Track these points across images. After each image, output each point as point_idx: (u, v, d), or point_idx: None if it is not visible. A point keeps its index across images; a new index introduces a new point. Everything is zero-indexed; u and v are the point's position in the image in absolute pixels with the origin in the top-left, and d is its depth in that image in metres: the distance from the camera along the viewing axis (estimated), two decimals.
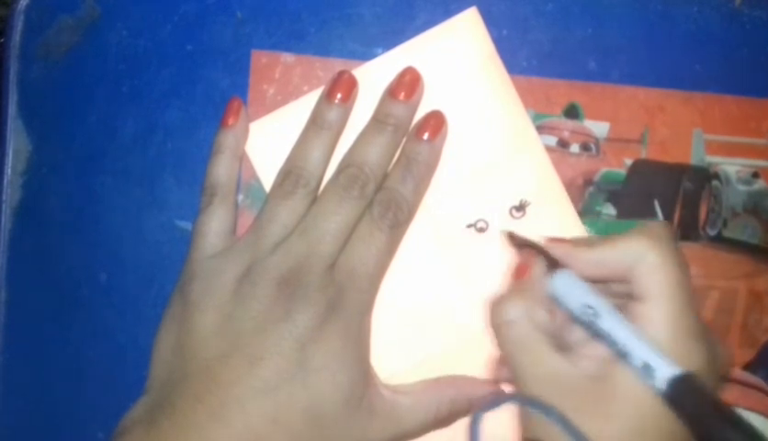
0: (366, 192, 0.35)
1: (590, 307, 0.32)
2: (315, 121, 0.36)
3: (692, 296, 0.31)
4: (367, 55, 0.38)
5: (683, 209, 0.39)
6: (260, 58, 0.38)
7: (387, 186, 0.35)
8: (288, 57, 0.38)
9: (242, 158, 0.38)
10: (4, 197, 0.39)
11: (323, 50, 0.38)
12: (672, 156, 0.39)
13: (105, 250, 0.39)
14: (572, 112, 0.39)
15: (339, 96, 0.36)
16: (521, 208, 0.38)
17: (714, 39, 0.39)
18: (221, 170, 0.37)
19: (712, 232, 0.39)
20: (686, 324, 0.31)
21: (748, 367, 0.39)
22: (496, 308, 0.34)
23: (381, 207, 0.35)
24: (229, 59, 0.38)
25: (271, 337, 0.32)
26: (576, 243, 0.34)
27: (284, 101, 0.38)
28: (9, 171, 0.39)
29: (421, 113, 0.37)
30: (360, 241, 0.34)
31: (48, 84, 0.39)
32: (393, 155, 0.36)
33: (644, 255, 0.31)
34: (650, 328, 0.31)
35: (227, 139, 0.37)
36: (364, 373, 0.34)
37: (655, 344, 0.30)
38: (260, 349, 0.32)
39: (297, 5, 0.38)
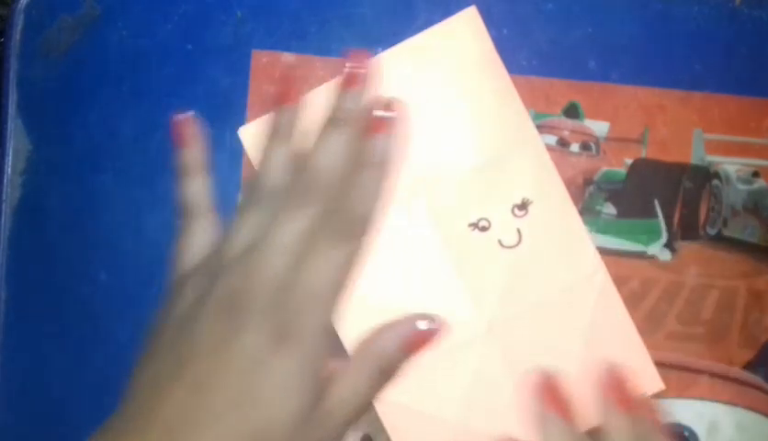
0: (321, 198, 0.33)
1: None
2: (272, 132, 0.36)
3: None
4: None
5: (683, 208, 0.39)
6: (260, 58, 0.38)
7: (342, 196, 0.33)
8: (288, 57, 0.38)
9: (209, 170, 0.37)
10: (4, 197, 0.39)
11: (323, 50, 0.38)
12: (671, 156, 0.39)
13: (105, 250, 0.39)
14: (572, 111, 0.39)
15: (289, 102, 0.36)
16: (523, 206, 0.38)
17: (714, 39, 0.39)
18: (192, 189, 0.36)
19: (712, 232, 0.39)
20: None
21: (748, 366, 0.39)
22: None
23: (336, 220, 0.33)
24: (229, 59, 0.38)
25: (219, 361, 0.31)
26: None
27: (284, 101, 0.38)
28: (9, 170, 0.39)
29: (419, 110, 0.37)
30: (314, 259, 0.32)
31: (48, 83, 0.39)
32: (349, 153, 0.34)
33: None
34: None
35: (188, 158, 0.37)
36: (316, 395, 0.32)
37: None
38: (206, 375, 0.30)
39: (297, 5, 0.38)
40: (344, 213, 0.33)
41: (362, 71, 0.35)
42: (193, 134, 0.37)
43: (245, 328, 0.31)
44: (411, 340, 0.35)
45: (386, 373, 0.34)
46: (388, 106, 0.35)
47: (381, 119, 0.35)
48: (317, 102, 0.38)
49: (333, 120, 0.35)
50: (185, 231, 0.36)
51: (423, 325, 0.35)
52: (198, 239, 0.36)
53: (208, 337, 0.31)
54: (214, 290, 0.32)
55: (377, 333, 0.35)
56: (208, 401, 0.30)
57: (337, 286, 0.33)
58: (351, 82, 0.35)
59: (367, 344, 0.35)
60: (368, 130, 0.34)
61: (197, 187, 0.36)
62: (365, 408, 0.34)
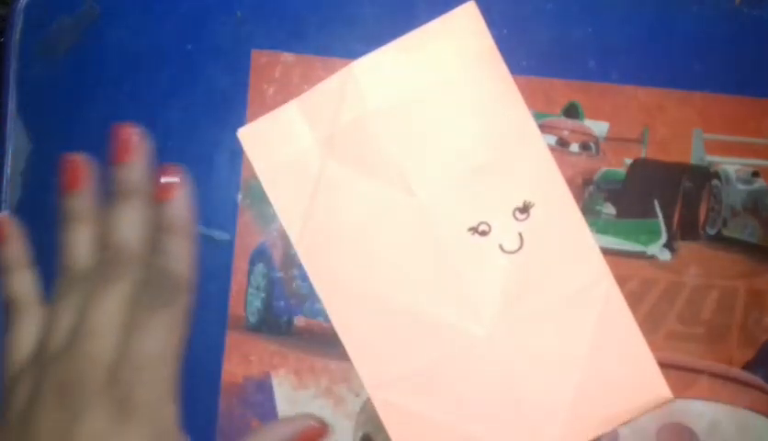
0: (128, 271, 0.34)
1: None
2: (68, 216, 0.36)
3: None
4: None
5: (682, 208, 0.39)
6: (260, 57, 0.38)
7: (150, 265, 0.34)
8: (287, 57, 0.38)
9: (31, 263, 0.37)
10: (4, 197, 0.39)
11: (323, 50, 0.38)
12: (671, 156, 0.39)
13: None
14: (572, 111, 0.39)
15: (76, 184, 0.36)
16: (525, 209, 0.38)
17: (714, 39, 0.39)
18: (16, 285, 0.36)
19: (712, 232, 0.39)
20: None
21: (748, 366, 0.39)
22: None
23: (151, 288, 0.34)
24: (229, 58, 0.38)
25: None
26: None
27: (284, 101, 0.38)
28: (9, 170, 0.39)
29: (417, 108, 0.37)
30: (137, 330, 0.33)
31: (48, 83, 0.39)
32: (144, 219, 0.35)
33: None
34: None
35: (8, 255, 0.37)
36: None
37: None
38: None
39: (297, 4, 0.38)
40: (158, 280, 0.34)
41: (134, 142, 0.36)
42: (10, 232, 0.37)
43: (83, 413, 0.31)
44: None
45: None
46: (170, 171, 0.36)
47: (170, 185, 0.36)
48: (315, 102, 0.38)
49: (122, 194, 0.35)
50: (11, 327, 0.36)
51: (309, 424, 0.36)
52: (26, 333, 0.35)
53: (48, 431, 0.31)
54: (46, 383, 0.32)
55: (263, 430, 0.36)
56: None
57: (168, 351, 0.33)
58: (126, 154, 0.36)
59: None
60: (160, 196, 0.35)
61: (20, 282, 0.37)
62: None
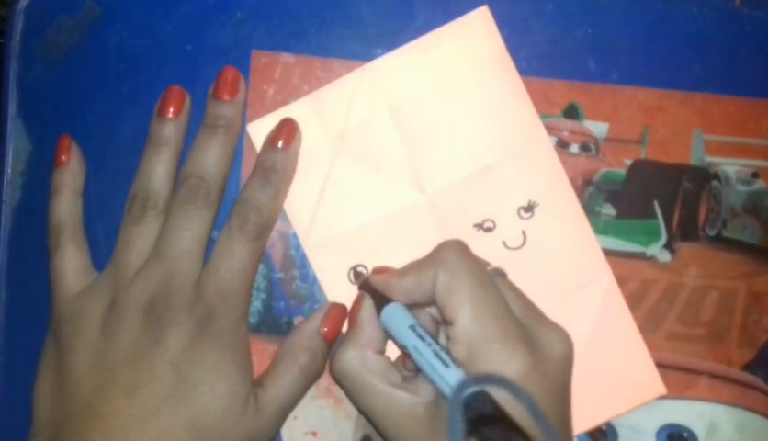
0: (210, 199, 0.35)
1: (403, 346, 0.32)
2: (152, 140, 0.36)
3: (498, 301, 0.32)
4: (366, 55, 0.38)
5: (682, 209, 0.39)
6: (260, 58, 0.38)
7: (244, 198, 0.35)
8: (287, 57, 0.38)
9: (82, 193, 0.38)
10: (4, 198, 0.39)
11: (323, 51, 0.38)
12: (671, 156, 0.39)
13: (104, 250, 0.38)
14: (572, 112, 0.39)
15: (171, 110, 0.36)
16: (529, 208, 0.38)
17: (714, 39, 0.39)
18: (64, 209, 0.37)
19: (711, 233, 0.39)
20: (492, 334, 0.31)
21: (747, 367, 0.39)
22: (331, 362, 0.34)
23: (239, 219, 0.35)
24: (229, 59, 0.38)
25: (144, 365, 0.32)
26: (392, 273, 0.34)
27: (284, 101, 0.38)
28: (9, 171, 0.39)
29: (429, 109, 0.37)
30: (220, 258, 0.35)
31: (48, 83, 0.39)
32: (230, 156, 0.36)
33: (434, 282, 0.32)
34: (459, 349, 0.31)
35: (63, 177, 0.37)
36: (244, 379, 0.34)
37: (461, 367, 0.30)
38: (134, 378, 0.32)
39: (297, 5, 0.38)
40: (250, 214, 0.35)
41: (238, 84, 0.37)
42: (68, 154, 0.38)
43: (170, 326, 0.33)
44: (323, 324, 0.36)
45: (309, 364, 0.36)
46: (285, 121, 0.37)
47: (291, 131, 0.37)
48: (327, 100, 0.38)
49: (211, 127, 0.36)
50: (56, 253, 0.37)
51: (328, 307, 0.37)
52: (72, 257, 0.37)
53: (135, 341, 0.33)
54: (130, 298, 0.34)
55: (296, 327, 0.37)
56: (142, 401, 0.32)
57: (245, 281, 0.35)
58: (227, 91, 0.36)
59: (289, 339, 0.37)
60: (274, 139, 0.36)
61: (66, 207, 0.37)
62: (295, 400, 0.36)
